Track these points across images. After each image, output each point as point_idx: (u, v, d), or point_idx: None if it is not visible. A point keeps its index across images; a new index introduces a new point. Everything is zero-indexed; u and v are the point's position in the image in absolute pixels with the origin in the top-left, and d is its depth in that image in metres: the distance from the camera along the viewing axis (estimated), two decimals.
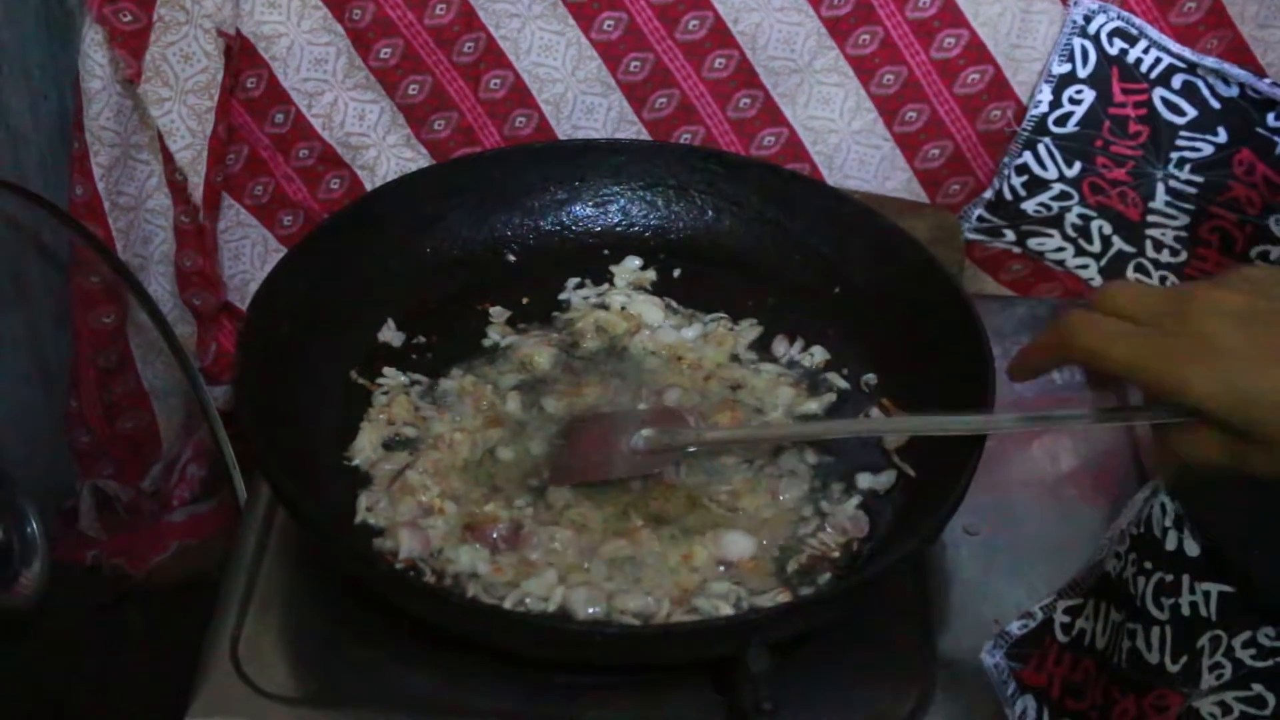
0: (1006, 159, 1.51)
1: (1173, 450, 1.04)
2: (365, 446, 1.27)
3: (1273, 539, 1.08)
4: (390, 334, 1.37)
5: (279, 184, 1.65)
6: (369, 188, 1.62)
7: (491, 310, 1.41)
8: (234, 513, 1.46)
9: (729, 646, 1.07)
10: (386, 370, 1.34)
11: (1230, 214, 1.46)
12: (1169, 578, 1.08)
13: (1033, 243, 1.53)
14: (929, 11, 1.50)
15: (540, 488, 1.24)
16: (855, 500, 1.24)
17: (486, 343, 1.38)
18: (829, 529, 1.22)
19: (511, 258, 1.46)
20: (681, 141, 1.58)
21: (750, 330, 1.39)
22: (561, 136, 1.60)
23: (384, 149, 1.62)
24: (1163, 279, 1.50)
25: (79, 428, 1.74)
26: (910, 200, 1.57)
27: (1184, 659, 1.06)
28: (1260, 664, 1.02)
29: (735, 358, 1.37)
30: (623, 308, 1.40)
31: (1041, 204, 1.50)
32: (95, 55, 1.52)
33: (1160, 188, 1.47)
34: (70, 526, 1.73)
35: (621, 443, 1.24)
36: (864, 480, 1.26)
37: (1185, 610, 1.06)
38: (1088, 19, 1.46)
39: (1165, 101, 1.45)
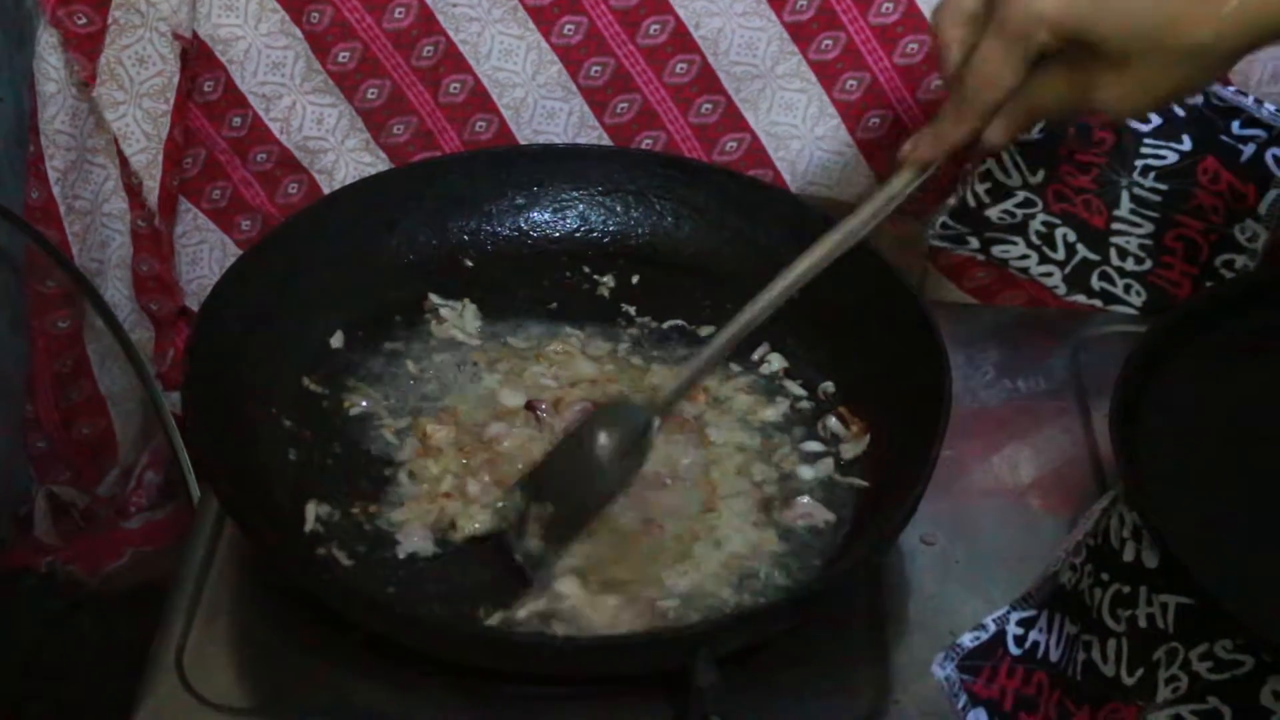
0: (970, 165, 1.50)
1: (1023, 108, 1.12)
2: None
3: (1231, 552, 1.07)
4: (341, 343, 1.36)
5: (236, 188, 1.64)
6: (327, 192, 1.61)
7: (443, 312, 1.40)
8: (190, 520, 1.45)
9: (676, 659, 1.06)
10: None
11: (1195, 221, 1.45)
12: (1126, 589, 1.07)
13: (997, 250, 1.52)
14: (891, 17, 1.49)
15: None
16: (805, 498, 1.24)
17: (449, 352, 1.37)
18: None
19: (469, 263, 1.44)
20: (643, 147, 1.57)
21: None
22: (522, 141, 1.59)
23: (342, 153, 1.61)
24: (1127, 287, 1.49)
25: (35, 433, 1.73)
26: None
27: (1140, 671, 1.05)
28: (1217, 677, 1.01)
29: None
30: None
31: (1005, 211, 1.49)
32: (50, 58, 1.51)
33: (1125, 195, 1.46)
34: (25, 532, 1.72)
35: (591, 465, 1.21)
36: (806, 472, 1.27)
37: (1142, 622, 1.05)
38: None
39: None
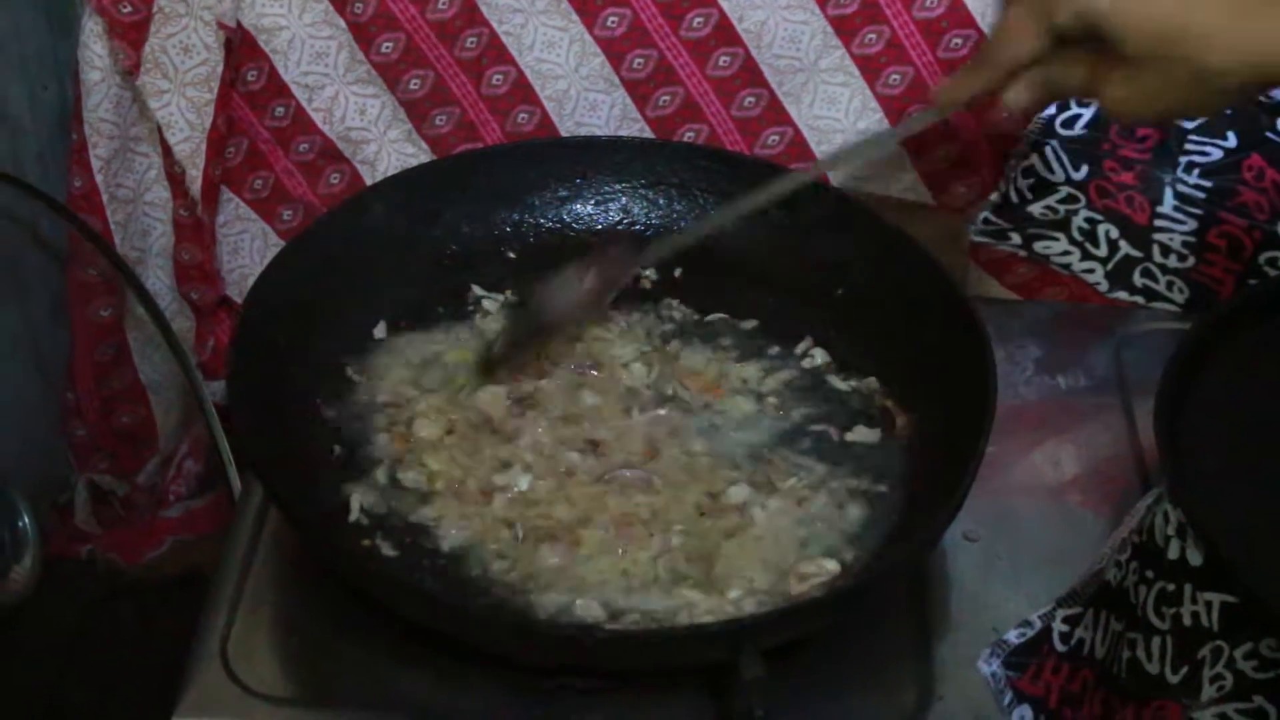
0: (1013, 161, 1.50)
1: (1042, 80, 1.17)
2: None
3: (1276, 549, 1.06)
4: (384, 333, 1.36)
5: (279, 178, 1.64)
6: (369, 183, 1.61)
7: (485, 304, 1.40)
8: (229, 509, 1.45)
9: (721, 652, 1.06)
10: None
11: (1239, 219, 1.44)
12: (1170, 587, 1.06)
13: (1039, 246, 1.51)
14: (936, 11, 1.48)
15: None
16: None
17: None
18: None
19: (511, 255, 1.44)
20: (685, 140, 1.57)
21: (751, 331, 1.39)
22: (564, 134, 1.59)
23: (385, 144, 1.61)
24: (1170, 284, 1.49)
25: (75, 421, 1.74)
26: (915, 202, 1.56)
27: (1184, 670, 1.04)
28: (1262, 675, 1.01)
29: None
30: None
31: (1048, 207, 1.49)
32: (94, 46, 1.51)
33: (1168, 192, 1.46)
34: (65, 520, 1.73)
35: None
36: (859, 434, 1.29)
37: (1187, 620, 1.05)
38: None
39: None
